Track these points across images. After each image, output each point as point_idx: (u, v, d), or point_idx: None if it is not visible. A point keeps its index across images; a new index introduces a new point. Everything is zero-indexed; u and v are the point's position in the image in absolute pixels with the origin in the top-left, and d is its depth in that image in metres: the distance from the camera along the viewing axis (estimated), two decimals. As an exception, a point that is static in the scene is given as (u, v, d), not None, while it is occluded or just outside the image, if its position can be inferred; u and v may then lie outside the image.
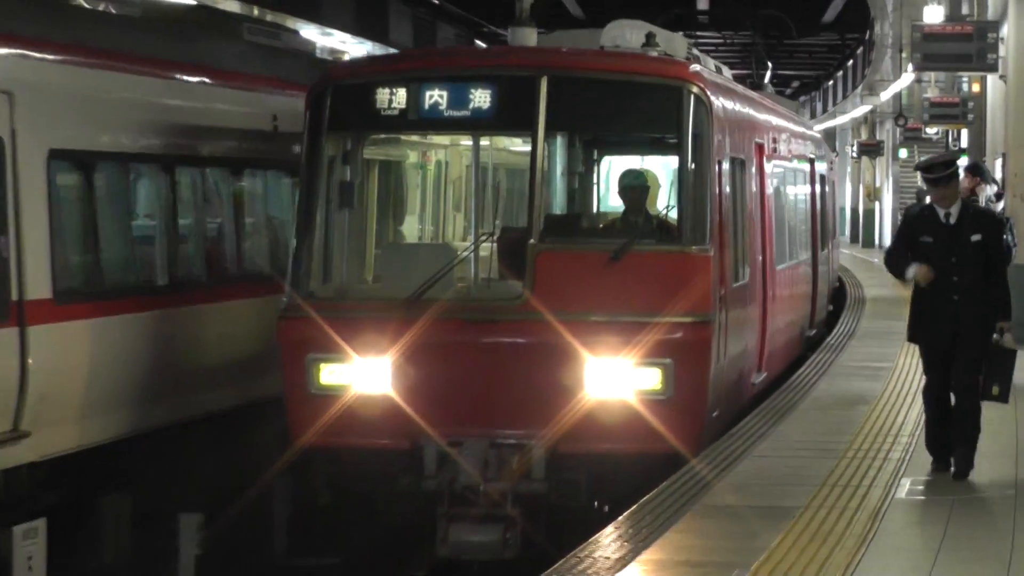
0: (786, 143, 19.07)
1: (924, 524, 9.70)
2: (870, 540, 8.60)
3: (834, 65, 45.07)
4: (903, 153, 41.43)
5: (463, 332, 10.74)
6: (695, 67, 12.39)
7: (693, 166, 11.29)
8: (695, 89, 11.33)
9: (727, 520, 9.08)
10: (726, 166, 12.15)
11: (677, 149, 11.64)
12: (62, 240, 10.99)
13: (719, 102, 12.08)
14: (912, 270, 10.85)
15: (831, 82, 49.43)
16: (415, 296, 10.70)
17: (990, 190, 20.11)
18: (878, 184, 46.48)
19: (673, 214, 11.72)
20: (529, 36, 11.91)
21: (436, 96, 11.23)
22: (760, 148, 15.47)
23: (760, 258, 15.07)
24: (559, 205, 13.35)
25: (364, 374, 10.71)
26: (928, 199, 11.58)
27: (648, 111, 11.90)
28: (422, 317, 10.54)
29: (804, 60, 44.02)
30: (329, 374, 10.90)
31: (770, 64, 34.87)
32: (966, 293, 10.76)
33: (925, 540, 9.13)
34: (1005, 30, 20.24)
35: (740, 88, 16.44)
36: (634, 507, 9.12)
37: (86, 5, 13.81)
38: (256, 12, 26.08)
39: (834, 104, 50.37)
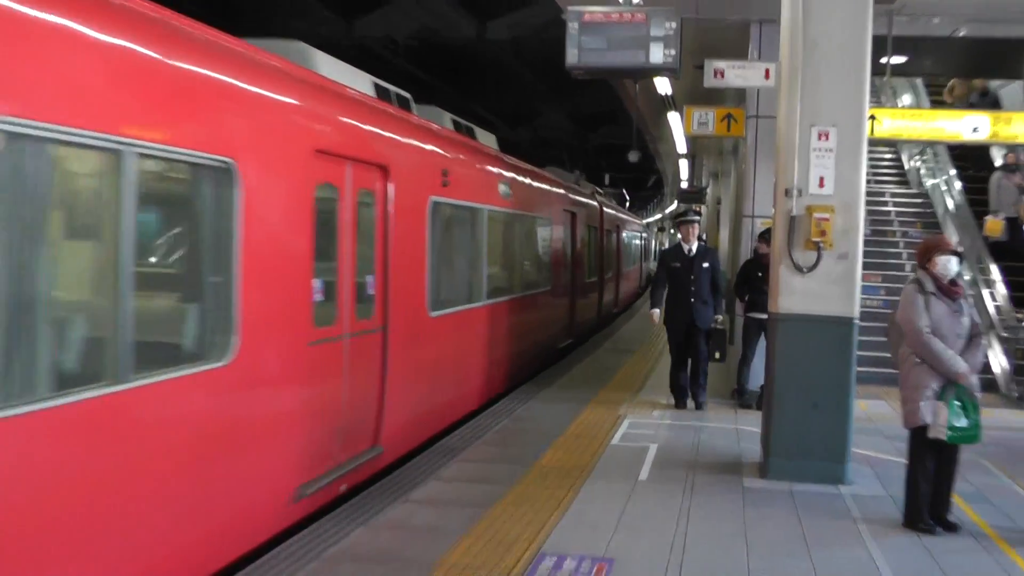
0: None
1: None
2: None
3: (651, 199, 72.50)
4: (672, 231, 67.30)
5: None
6: None
7: None
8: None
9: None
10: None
11: None
12: None
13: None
14: (655, 312, 11.85)
15: (650, 204, 77.16)
16: None
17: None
18: (663, 240, 71.30)
19: None
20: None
21: None
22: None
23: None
24: None
25: None
26: (680, 240, 11.76)
27: None
28: None
29: (642, 197, 70.21)
30: None
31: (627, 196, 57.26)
32: (698, 298, 11.40)
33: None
34: (708, 190, 29.13)
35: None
36: None
37: None
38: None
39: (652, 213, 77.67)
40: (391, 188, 8.11)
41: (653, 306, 11.84)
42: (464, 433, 9.88)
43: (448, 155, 10.02)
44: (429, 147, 9.43)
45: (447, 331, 9.81)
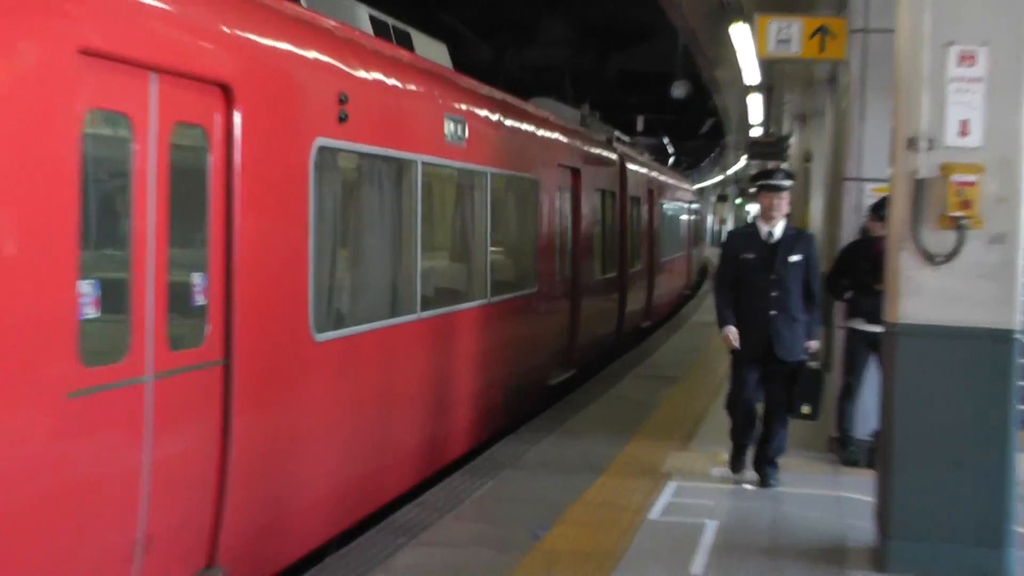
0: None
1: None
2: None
3: (707, 153, 76.25)
4: (738, 200, 74.41)
5: None
6: None
7: None
8: None
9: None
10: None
11: None
12: None
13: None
14: (731, 331, 10.58)
15: (704, 163, 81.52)
16: None
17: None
18: (725, 216, 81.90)
19: None
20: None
21: None
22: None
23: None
24: None
25: None
26: (758, 217, 11.13)
27: None
28: None
29: (692, 151, 74.77)
30: None
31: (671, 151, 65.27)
32: (783, 312, 10.61)
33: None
34: (792, 140, 29.82)
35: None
36: None
37: None
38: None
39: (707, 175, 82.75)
40: (239, 121, 7.09)
41: (724, 323, 10.70)
42: (428, 502, 9.87)
43: (353, 72, 9.05)
44: (314, 56, 8.40)
45: (348, 364, 8.94)
